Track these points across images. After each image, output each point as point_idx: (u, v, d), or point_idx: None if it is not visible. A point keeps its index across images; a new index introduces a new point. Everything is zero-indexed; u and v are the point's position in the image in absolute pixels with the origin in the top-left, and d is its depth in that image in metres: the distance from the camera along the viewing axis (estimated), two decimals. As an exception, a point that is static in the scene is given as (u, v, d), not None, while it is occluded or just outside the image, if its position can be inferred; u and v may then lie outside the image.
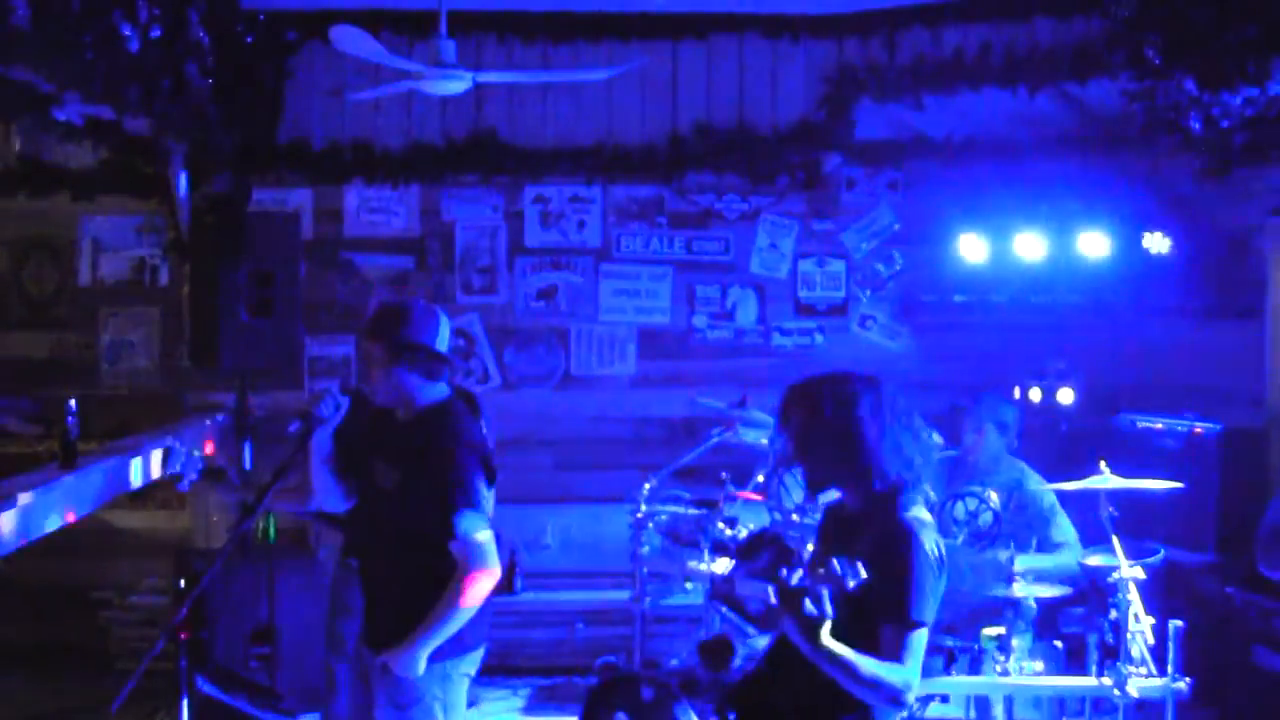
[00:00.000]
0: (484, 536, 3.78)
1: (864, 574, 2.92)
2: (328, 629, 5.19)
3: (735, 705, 3.44)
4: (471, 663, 3.95)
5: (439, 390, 3.97)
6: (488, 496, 3.90)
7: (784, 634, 3.22)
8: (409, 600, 3.81)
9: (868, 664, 3.06)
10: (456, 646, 3.84)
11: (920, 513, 3.28)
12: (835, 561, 2.93)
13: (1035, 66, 6.58)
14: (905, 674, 3.09)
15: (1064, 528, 5.44)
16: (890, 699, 3.10)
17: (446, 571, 3.77)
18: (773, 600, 3.04)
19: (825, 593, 2.93)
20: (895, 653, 3.09)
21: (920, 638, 3.13)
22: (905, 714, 3.22)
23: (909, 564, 3.14)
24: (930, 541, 3.21)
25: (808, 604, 2.93)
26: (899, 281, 7.61)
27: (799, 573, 2.99)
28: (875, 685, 3.06)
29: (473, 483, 3.82)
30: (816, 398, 3.34)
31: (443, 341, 3.97)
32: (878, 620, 3.12)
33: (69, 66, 4.76)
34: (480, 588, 3.77)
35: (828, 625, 2.96)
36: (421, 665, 3.76)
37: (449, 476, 3.79)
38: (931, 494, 3.45)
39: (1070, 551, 5.34)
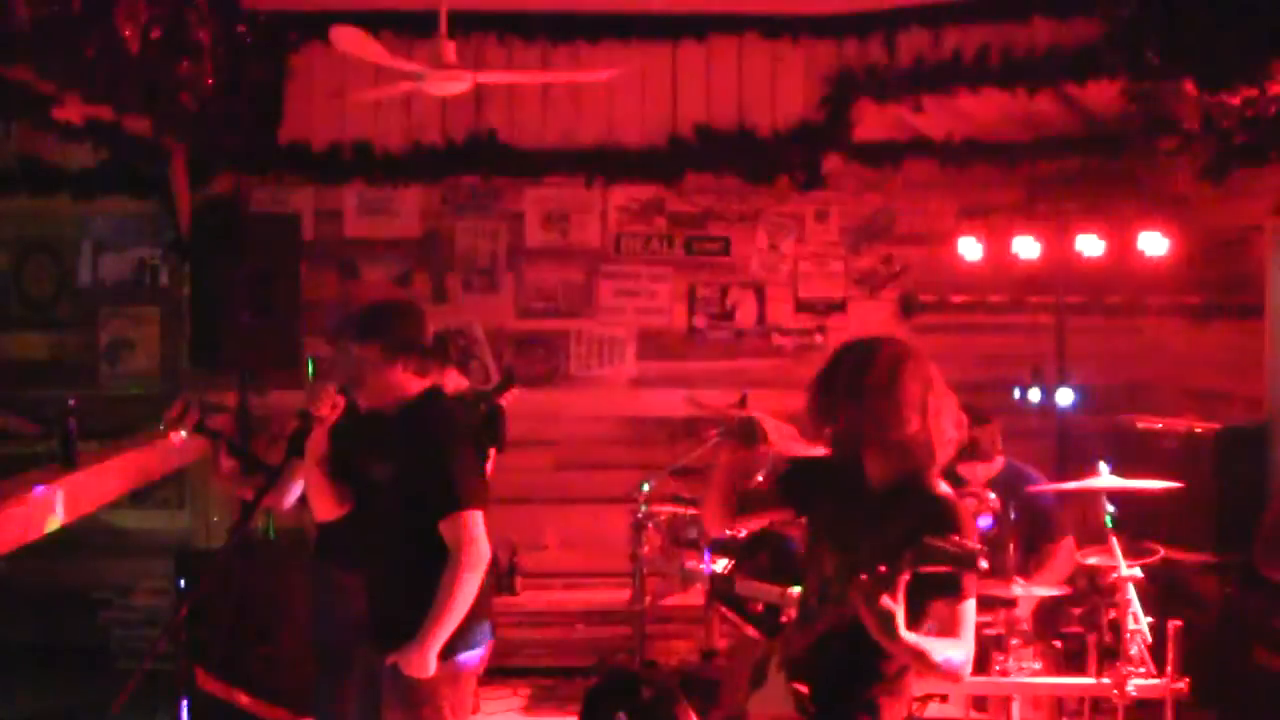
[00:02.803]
0: (473, 516, 3.78)
1: (977, 545, 2.90)
2: (313, 634, 5.17)
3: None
4: (481, 661, 3.96)
5: (424, 382, 3.99)
6: (479, 479, 3.89)
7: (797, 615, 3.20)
8: (411, 599, 3.80)
9: (940, 647, 3.03)
10: (465, 643, 3.85)
11: (945, 486, 3.26)
12: (936, 541, 2.87)
13: (1034, 67, 6.57)
14: (967, 648, 3.09)
15: (1061, 525, 5.42)
16: (957, 677, 3.09)
17: (444, 565, 3.78)
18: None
19: (899, 580, 2.89)
20: (953, 629, 3.07)
21: (972, 608, 3.11)
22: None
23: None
24: (967, 511, 3.21)
25: (885, 601, 2.87)
26: (899, 281, 7.61)
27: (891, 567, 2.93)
28: (949, 667, 3.04)
29: (464, 463, 3.83)
30: (882, 356, 3.23)
31: (428, 338, 4.00)
32: (928, 597, 3.07)
33: (69, 66, 4.76)
34: (473, 572, 3.77)
35: (901, 615, 2.90)
36: (431, 665, 3.76)
37: (440, 458, 3.81)
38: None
39: (1068, 547, 5.33)
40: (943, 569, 2.88)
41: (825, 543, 3.35)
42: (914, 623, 3.00)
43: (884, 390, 3.18)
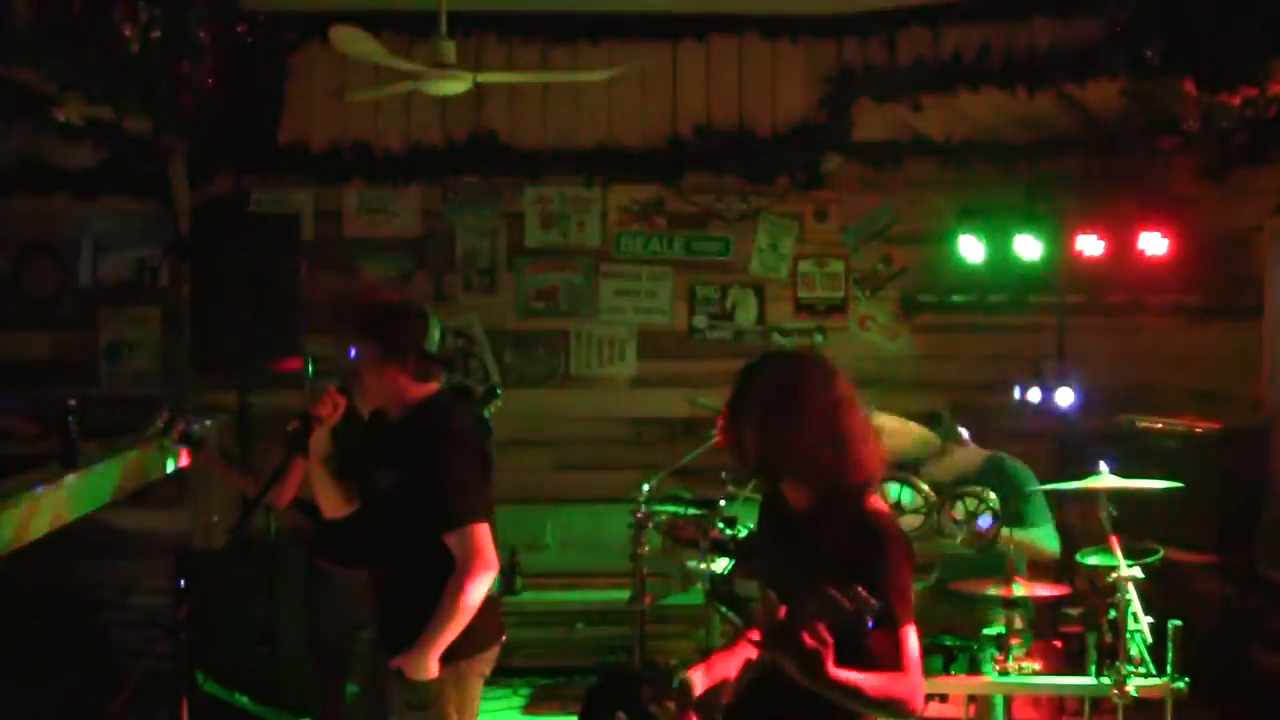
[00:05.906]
0: (480, 529, 3.77)
1: (876, 602, 2.54)
2: (308, 635, 5.17)
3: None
4: (486, 662, 3.94)
5: (428, 387, 3.96)
6: (484, 488, 3.89)
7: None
8: (417, 602, 3.78)
9: (873, 682, 2.74)
10: (470, 646, 3.83)
11: (880, 503, 3.05)
12: (836, 593, 2.54)
13: (1034, 67, 6.58)
14: (910, 680, 2.82)
15: (1040, 509, 5.36)
16: (904, 711, 2.80)
17: (450, 570, 3.76)
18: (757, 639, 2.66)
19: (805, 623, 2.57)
20: (894, 660, 2.82)
21: (912, 635, 2.86)
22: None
23: (886, 562, 2.86)
24: (899, 529, 2.98)
25: (806, 639, 2.55)
26: (899, 281, 7.61)
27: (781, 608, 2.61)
28: (886, 702, 2.77)
29: (468, 475, 3.81)
30: (789, 376, 3.05)
31: (432, 343, 3.97)
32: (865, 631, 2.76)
33: (69, 66, 4.76)
34: (479, 583, 3.75)
35: (830, 653, 2.59)
36: (433, 668, 3.74)
37: (444, 470, 3.78)
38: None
39: (1044, 532, 5.28)
40: (839, 621, 2.55)
41: (760, 581, 3.15)
42: (853, 657, 2.67)
43: (806, 413, 2.95)
